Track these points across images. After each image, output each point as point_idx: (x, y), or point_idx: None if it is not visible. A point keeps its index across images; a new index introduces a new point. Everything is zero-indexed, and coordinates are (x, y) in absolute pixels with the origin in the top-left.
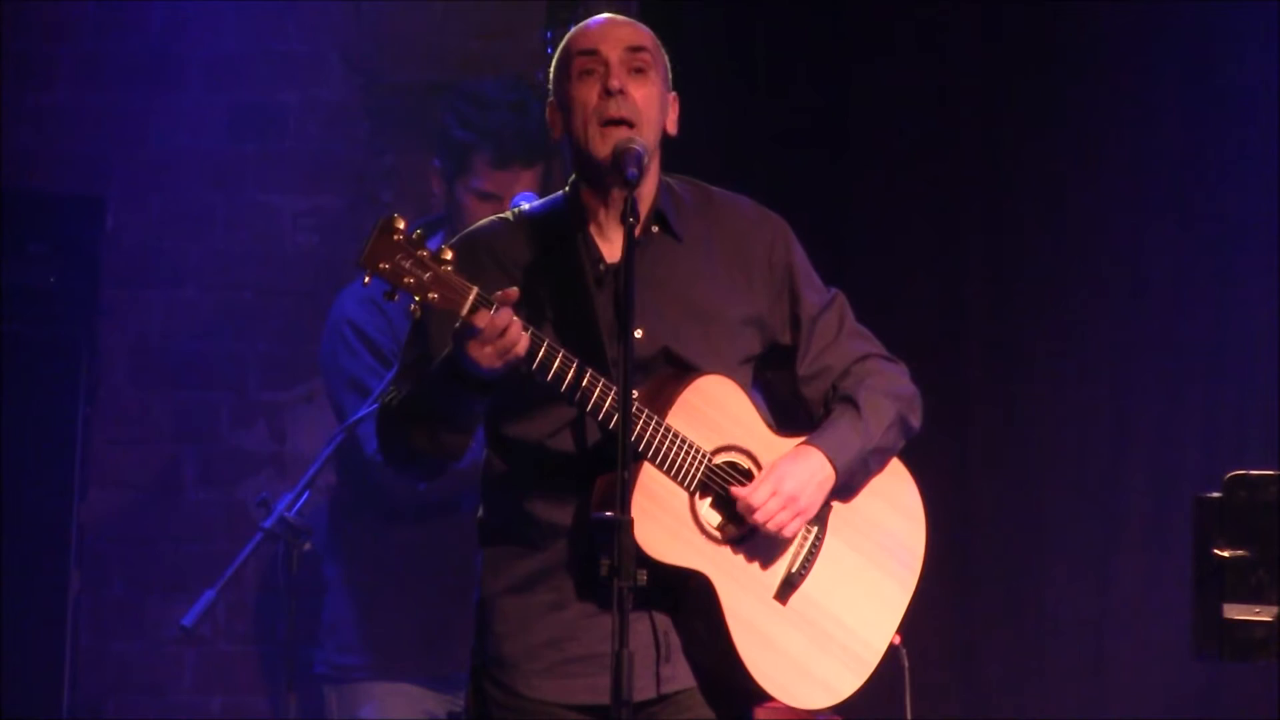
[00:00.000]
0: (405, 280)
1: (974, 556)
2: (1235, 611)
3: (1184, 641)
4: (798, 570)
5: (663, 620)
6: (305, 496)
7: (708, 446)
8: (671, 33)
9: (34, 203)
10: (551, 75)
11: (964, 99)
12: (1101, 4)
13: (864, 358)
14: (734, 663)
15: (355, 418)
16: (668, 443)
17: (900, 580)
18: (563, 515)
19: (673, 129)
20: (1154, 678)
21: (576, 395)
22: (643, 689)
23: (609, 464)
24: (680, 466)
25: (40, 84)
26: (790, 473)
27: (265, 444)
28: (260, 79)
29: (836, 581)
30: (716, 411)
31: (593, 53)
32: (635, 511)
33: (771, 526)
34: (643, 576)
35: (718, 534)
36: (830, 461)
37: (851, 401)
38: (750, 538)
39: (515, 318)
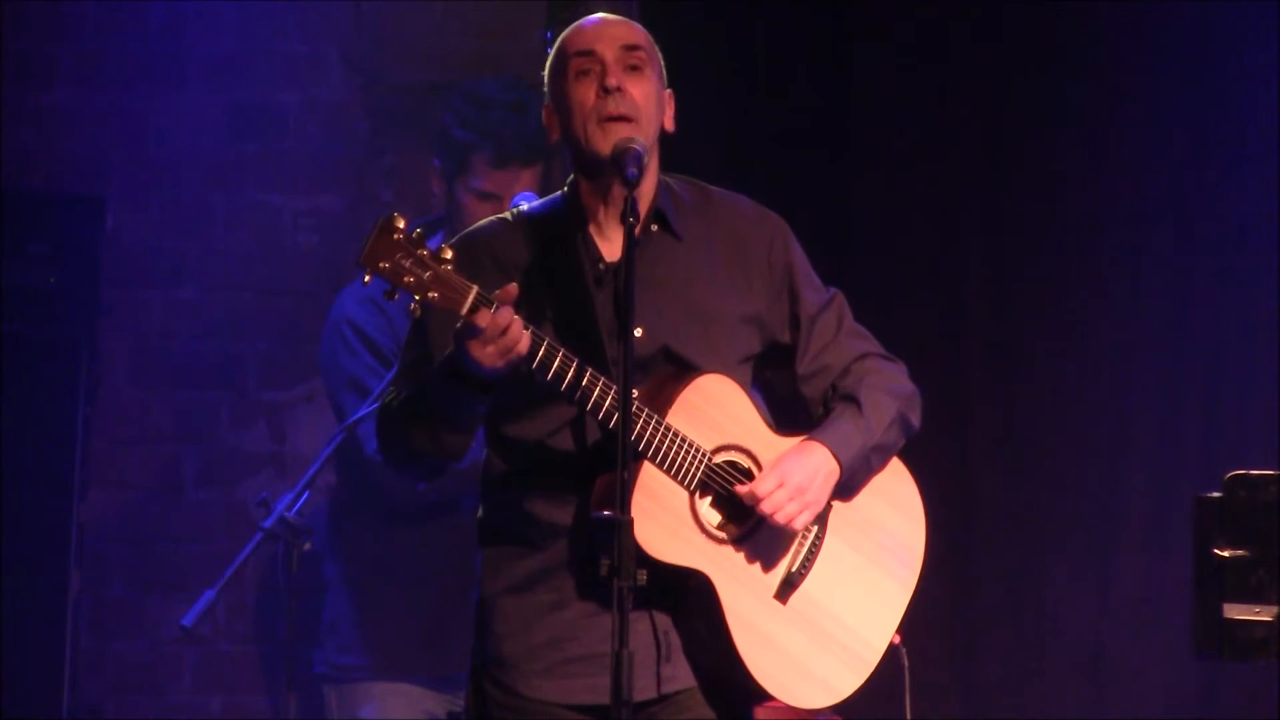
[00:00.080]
0: (405, 279)
1: (974, 556)
2: (1235, 611)
3: (1184, 641)
4: (798, 569)
5: (663, 620)
6: (305, 496)
7: (708, 445)
8: (671, 33)
9: (34, 203)
10: (547, 78)
11: (964, 99)
12: (1101, 4)
13: (863, 356)
14: (734, 662)
15: (355, 418)
16: (668, 442)
17: (900, 580)
18: (563, 515)
19: (670, 126)
20: (1154, 678)
21: (576, 394)
22: (643, 689)
23: (609, 463)
24: (680, 466)
25: (40, 84)
26: (796, 466)
27: (265, 444)
28: (260, 79)
29: (837, 581)
30: (716, 411)
31: (589, 53)
32: (635, 511)
33: (780, 518)
34: (643, 576)
35: (718, 533)
36: (834, 456)
37: (853, 399)
38: (750, 537)
39: (516, 316)
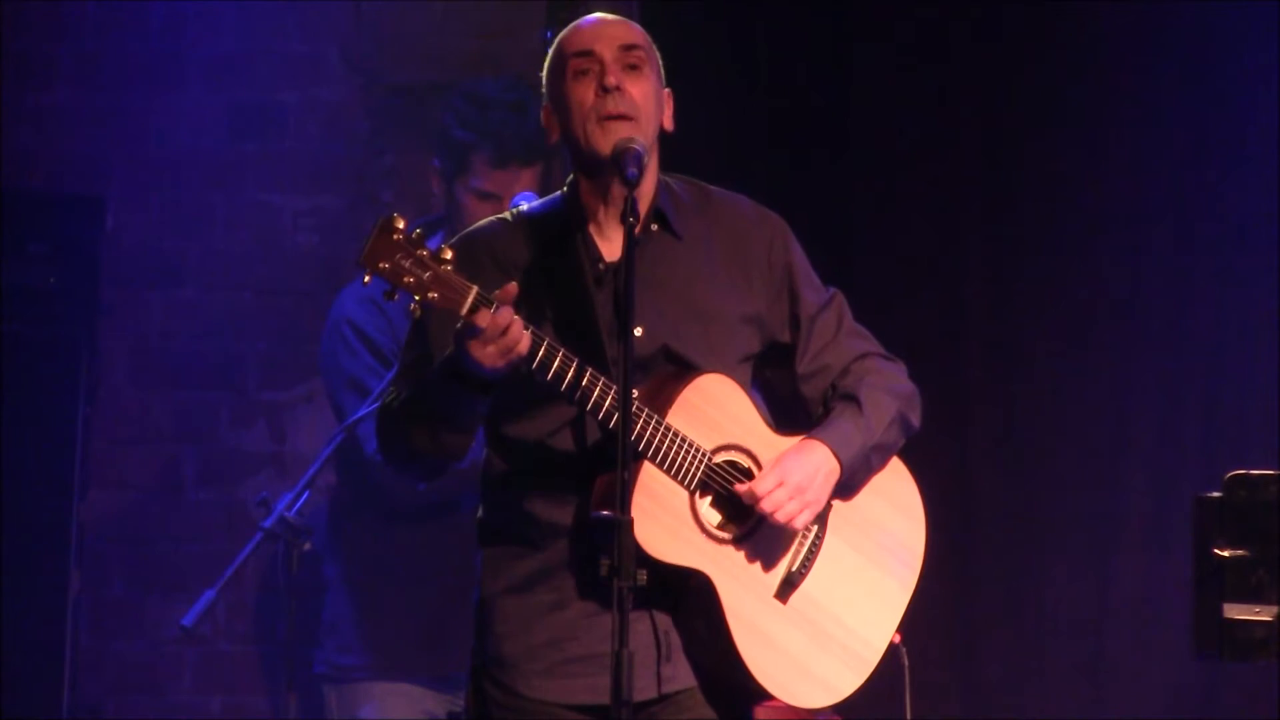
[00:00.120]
0: (405, 280)
1: (974, 556)
2: (1235, 611)
3: (1184, 641)
4: (798, 569)
5: (663, 620)
6: (305, 496)
7: (708, 445)
8: (672, 32)
9: (34, 203)
10: (545, 78)
11: (964, 99)
12: (1101, 4)
13: (863, 356)
14: (735, 662)
15: (355, 418)
16: (668, 442)
17: (900, 579)
18: (563, 515)
19: (669, 125)
20: (1154, 678)
21: (576, 395)
22: (644, 689)
23: (609, 463)
24: (680, 465)
25: (40, 84)
26: (796, 465)
27: (265, 444)
28: (260, 79)
29: (837, 580)
30: (716, 410)
31: (587, 53)
32: (635, 511)
33: (780, 517)
34: (643, 576)
35: (718, 533)
36: (835, 455)
37: (853, 399)
38: (751, 536)
39: (516, 316)
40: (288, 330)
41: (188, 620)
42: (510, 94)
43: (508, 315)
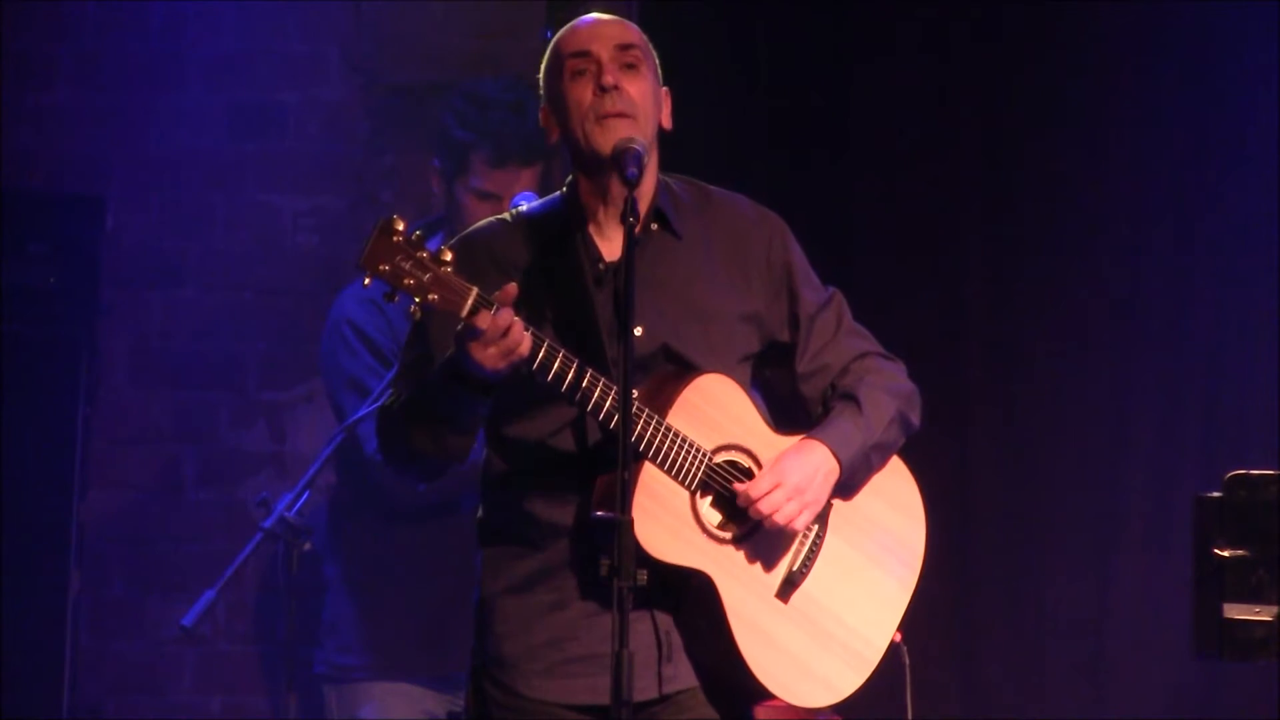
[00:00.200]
0: (405, 282)
1: (974, 556)
2: (1235, 611)
3: (1184, 641)
4: (799, 569)
5: (664, 620)
6: (305, 496)
7: (708, 445)
8: (671, 32)
9: (34, 203)
10: (542, 79)
11: (964, 99)
12: (1101, 4)
13: (862, 355)
14: (736, 661)
15: (355, 418)
16: (668, 442)
17: (900, 579)
18: (563, 515)
19: (668, 124)
20: (1154, 678)
21: (577, 396)
22: (644, 689)
23: (609, 463)
24: (681, 466)
25: (40, 84)
26: (795, 466)
27: (265, 444)
28: (260, 79)
29: (837, 580)
30: (717, 410)
31: (584, 53)
32: (636, 511)
33: (779, 519)
34: (643, 576)
35: (719, 533)
36: (834, 455)
37: (852, 398)
38: (751, 536)
39: (516, 318)
40: (288, 330)
41: (188, 620)
42: (510, 94)
43: (508, 317)
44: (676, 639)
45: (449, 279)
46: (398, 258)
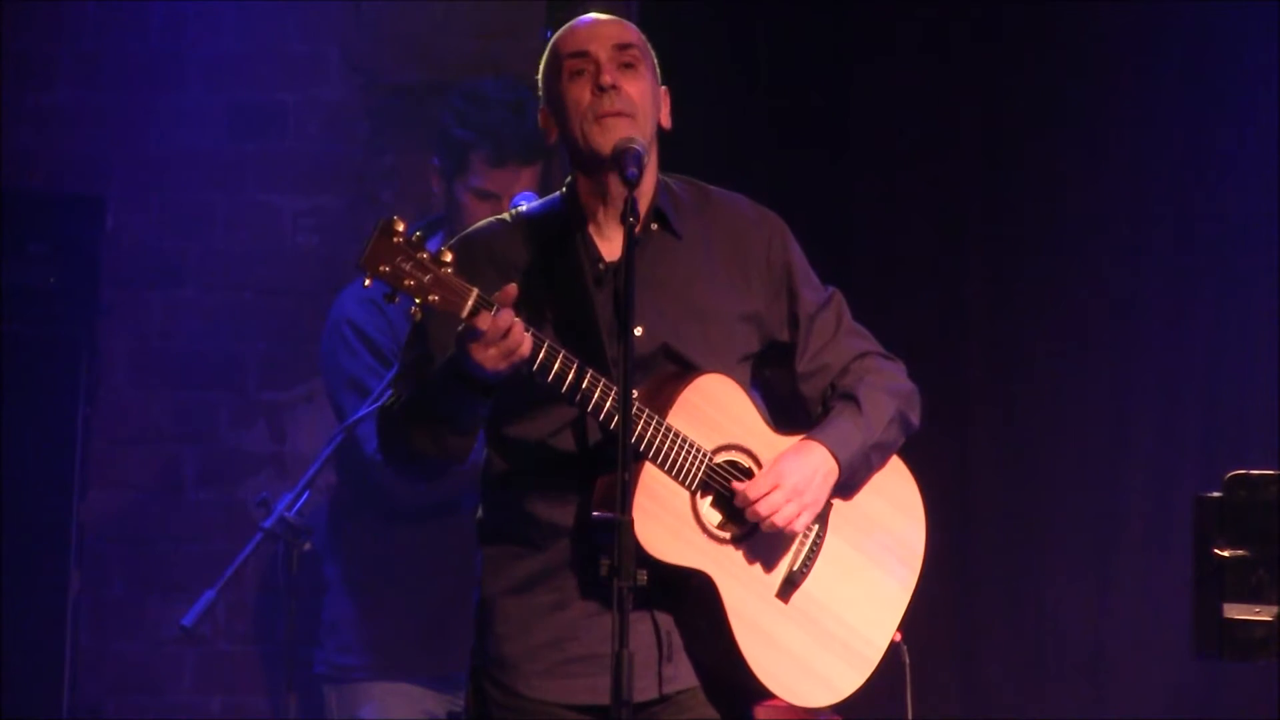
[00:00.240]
0: (406, 283)
1: (974, 556)
2: (1235, 611)
3: (1184, 641)
4: (799, 568)
5: (665, 620)
6: (305, 496)
7: (708, 445)
8: (671, 32)
9: (34, 203)
10: (541, 81)
11: (964, 99)
12: (1101, 4)
13: (862, 355)
14: (737, 661)
15: (355, 418)
16: (669, 442)
17: (901, 578)
18: (563, 515)
19: (667, 123)
20: (1154, 678)
21: (577, 397)
22: (645, 689)
23: (610, 464)
24: (681, 466)
25: (40, 84)
26: (794, 467)
27: (265, 444)
28: (260, 79)
29: (838, 579)
30: (717, 410)
31: (582, 54)
32: (637, 511)
33: (779, 521)
34: (643, 576)
35: (719, 533)
36: (833, 455)
37: (852, 398)
38: (752, 536)
39: (516, 319)
40: (288, 330)
41: (188, 620)
42: (509, 94)
43: (508, 318)
44: (677, 639)
45: (449, 280)
46: (398, 259)
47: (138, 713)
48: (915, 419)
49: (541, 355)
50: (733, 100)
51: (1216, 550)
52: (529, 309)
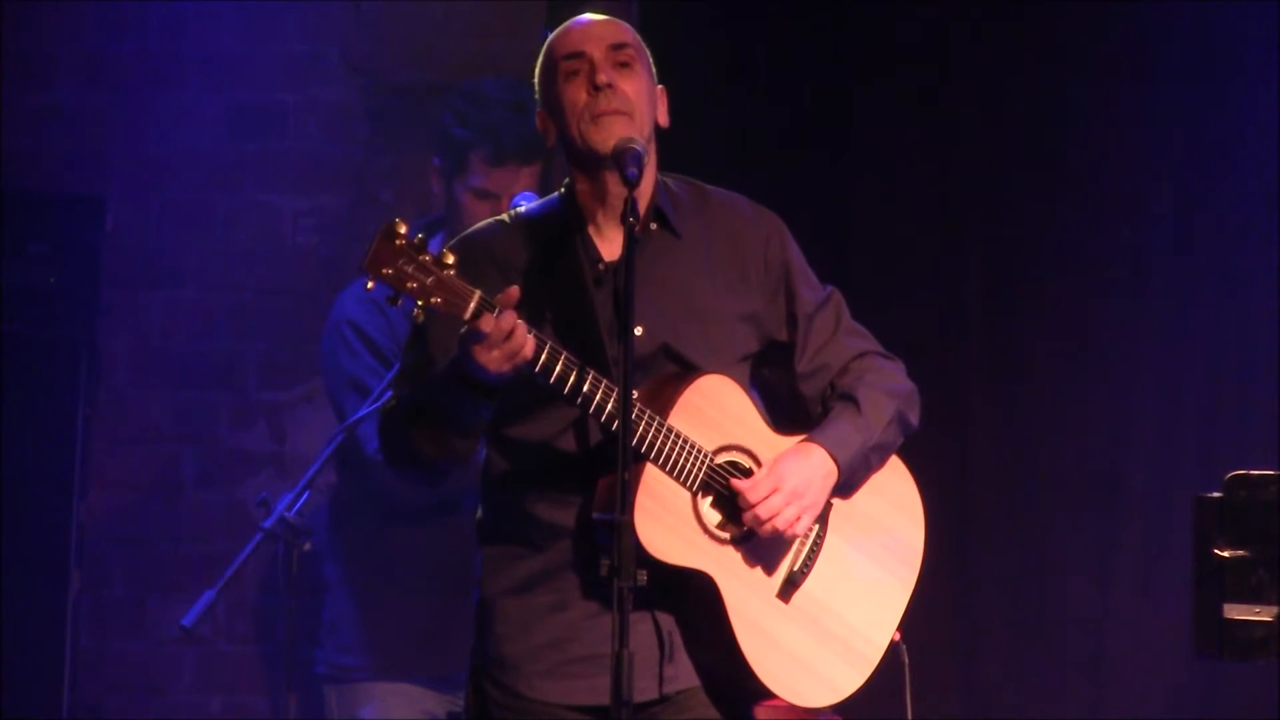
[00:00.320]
0: (409, 285)
1: (974, 556)
2: (1235, 611)
3: (1184, 641)
4: (800, 568)
5: (666, 620)
6: (305, 496)
7: (709, 446)
8: (671, 33)
9: (34, 203)
10: (537, 83)
11: (964, 99)
12: (1101, 4)
13: (861, 355)
14: (738, 661)
15: (355, 418)
16: (669, 443)
17: (901, 578)
18: (564, 516)
19: (664, 121)
20: (1154, 678)
21: (579, 399)
22: (645, 689)
23: (611, 465)
24: (682, 466)
25: (40, 84)
26: (794, 469)
27: (265, 444)
28: (260, 79)
29: (838, 579)
30: (717, 411)
31: (578, 54)
32: (638, 512)
33: (779, 524)
34: (642, 576)
35: (720, 533)
36: (833, 457)
37: (851, 399)
38: (752, 536)
39: (519, 320)
40: (288, 330)
41: (188, 620)
42: (510, 94)
43: (511, 319)
44: (678, 639)
45: (452, 282)
46: (400, 261)
47: (138, 713)
48: (914, 419)
49: (544, 357)
50: (733, 100)
51: (1216, 550)
52: (529, 309)
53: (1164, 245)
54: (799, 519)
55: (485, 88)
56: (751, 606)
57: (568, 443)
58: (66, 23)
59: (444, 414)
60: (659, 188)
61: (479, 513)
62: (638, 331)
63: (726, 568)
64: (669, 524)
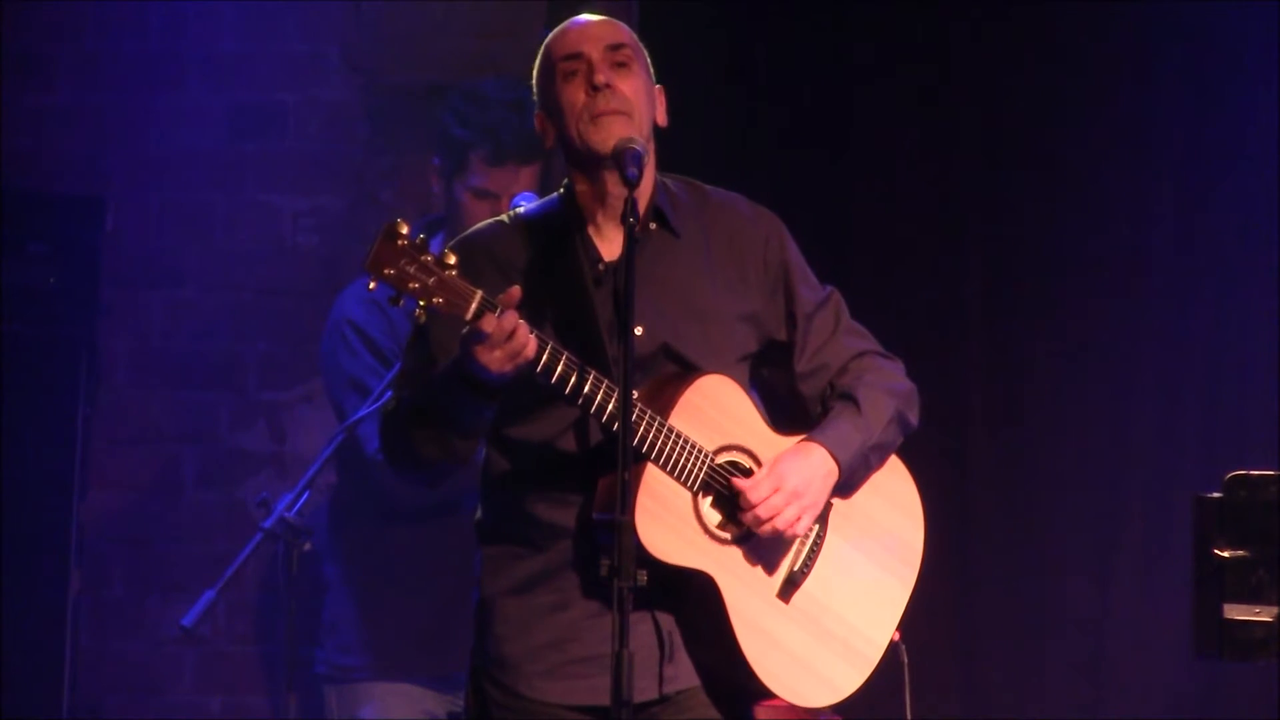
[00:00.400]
0: (410, 285)
1: (974, 556)
2: (1235, 611)
3: (1184, 641)
4: (800, 568)
5: (666, 620)
6: (305, 496)
7: (710, 446)
8: (671, 33)
9: (34, 203)
10: (535, 84)
11: (964, 99)
12: (1101, 4)
13: (861, 354)
14: (738, 661)
15: (355, 418)
16: (670, 443)
17: (900, 577)
18: (565, 516)
19: (663, 120)
20: (1154, 678)
21: (580, 399)
22: (645, 689)
23: (611, 464)
24: (683, 466)
25: (40, 84)
26: (794, 469)
27: (265, 444)
28: (260, 79)
29: (838, 579)
30: (717, 411)
31: (576, 55)
32: (639, 512)
33: (780, 524)
34: (643, 576)
35: (720, 533)
36: (833, 457)
37: (851, 398)
38: (753, 536)
39: (521, 321)
40: (288, 330)
41: (188, 620)
42: (509, 93)
43: (513, 319)
44: (678, 639)
45: (453, 282)
46: (402, 261)
47: (138, 713)
48: (914, 418)
49: (545, 358)
50: (733, 100)
51: (1216, 550)
52: (529, 309)
53: (1164, 245)
54: (799, 519)
55: (485, 88)
56: (752, 606)
57: (568, 443)
58: (66, 23)
59: (445, 415)
60: (658, 188)
61: (479, 513)
62: (638, 331)
63: (727, 568)
64: (669, 524)
